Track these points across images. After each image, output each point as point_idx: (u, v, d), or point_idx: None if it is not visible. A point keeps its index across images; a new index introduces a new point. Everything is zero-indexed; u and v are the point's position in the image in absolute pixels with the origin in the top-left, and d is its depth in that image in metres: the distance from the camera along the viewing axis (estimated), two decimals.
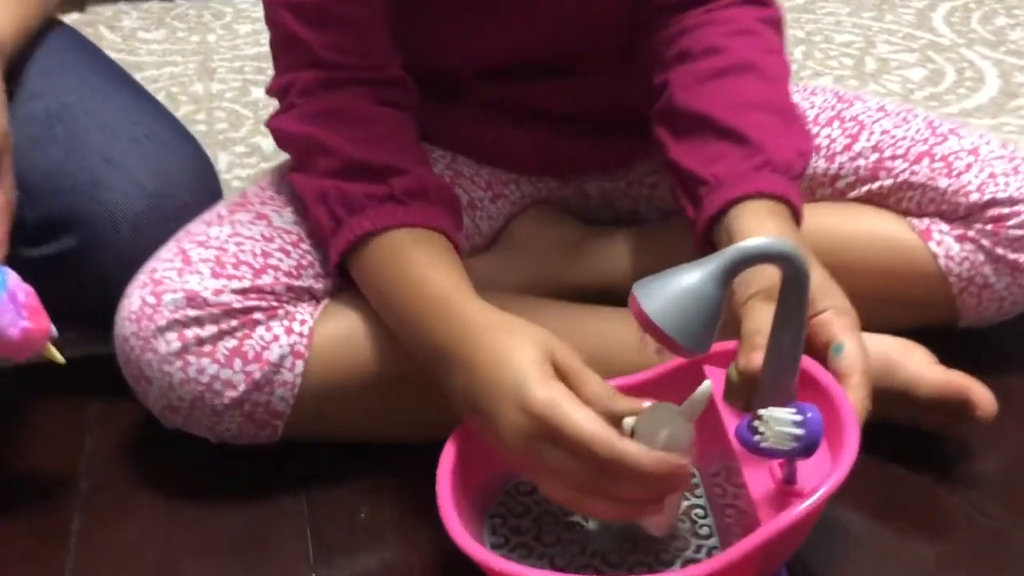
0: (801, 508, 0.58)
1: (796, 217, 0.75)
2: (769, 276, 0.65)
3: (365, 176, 0.75)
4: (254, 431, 0.77)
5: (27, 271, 0.77)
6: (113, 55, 1.52)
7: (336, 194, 0.75)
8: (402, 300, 0.72)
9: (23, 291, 0.71)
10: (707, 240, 0.76)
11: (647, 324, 0.58)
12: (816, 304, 0.67)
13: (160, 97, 1.41)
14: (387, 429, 0.80)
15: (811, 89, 0.97)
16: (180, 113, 1.39)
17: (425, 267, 0.72)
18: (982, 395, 0.77)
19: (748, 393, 0.65)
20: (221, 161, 1.28)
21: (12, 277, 0.71)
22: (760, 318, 0.66)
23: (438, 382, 0.69)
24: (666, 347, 0.59)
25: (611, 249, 0.94)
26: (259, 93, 1.46)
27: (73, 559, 0.73)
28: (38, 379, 0.87)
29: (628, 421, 0.62)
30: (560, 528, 0.70)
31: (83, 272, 0.82)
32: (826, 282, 0.69)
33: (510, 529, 0.69)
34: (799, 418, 0.58)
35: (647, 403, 0.63)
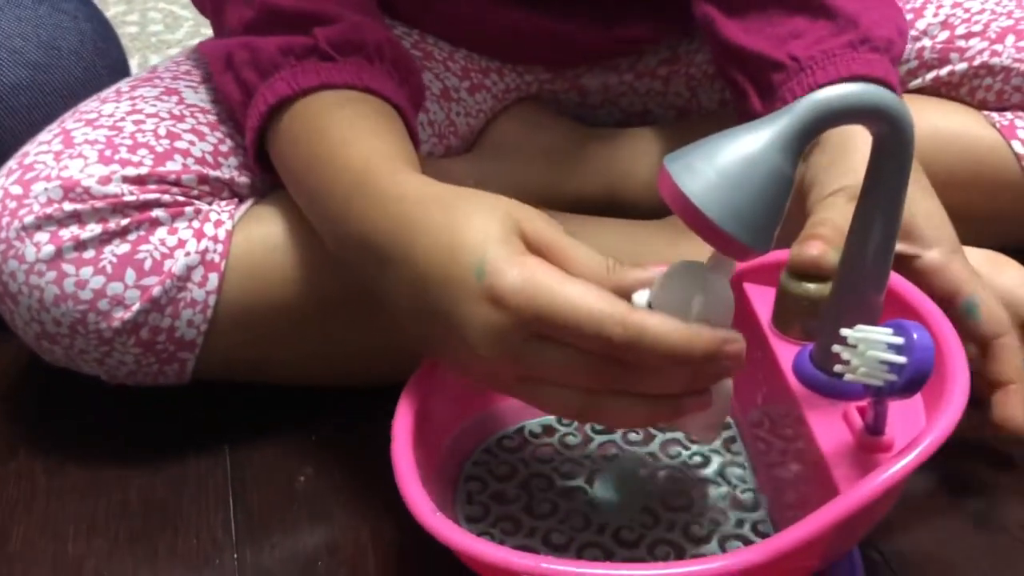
0: (903, 464, 0.41)
1: None
2: (858, 172, 0.47)
3: (282, 27, 0.57)
4: (157, 367, 0.59)
5: None
6: None
7: (245, 54, 0.57)
8: (319, 181, 0.53)
9: None
10: None
11: (687, 211, 0.41)
12: (924, 239, 0.52)
13: None
14: (330, 368, 0.63)
15: None
16: (109, 14, 1.20)
17: (348, 131, 0.54)
18: None
19: (810, 313, 0.49)
20: (152, 63, 1.10)
21: None
22: (837, 213, 0.49)
23: (376, 293, 0.50)
24: (711, 243, 0.42)
25: (615, 153, 0.77)
26: None
27: None
28: None
29: (640, 296, 0.45)
30: (557, 495, 0.53)
31: None
32: (937, 212, 0.54)
33: (491, 496, 0.53)
34: (900, 340, 0.41)
35: (657, 269, 0.45)
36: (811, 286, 0.50)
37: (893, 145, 0.42)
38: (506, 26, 0.74)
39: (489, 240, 0.44)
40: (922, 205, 0.53)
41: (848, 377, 0.43)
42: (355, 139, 0.52)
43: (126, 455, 0.62)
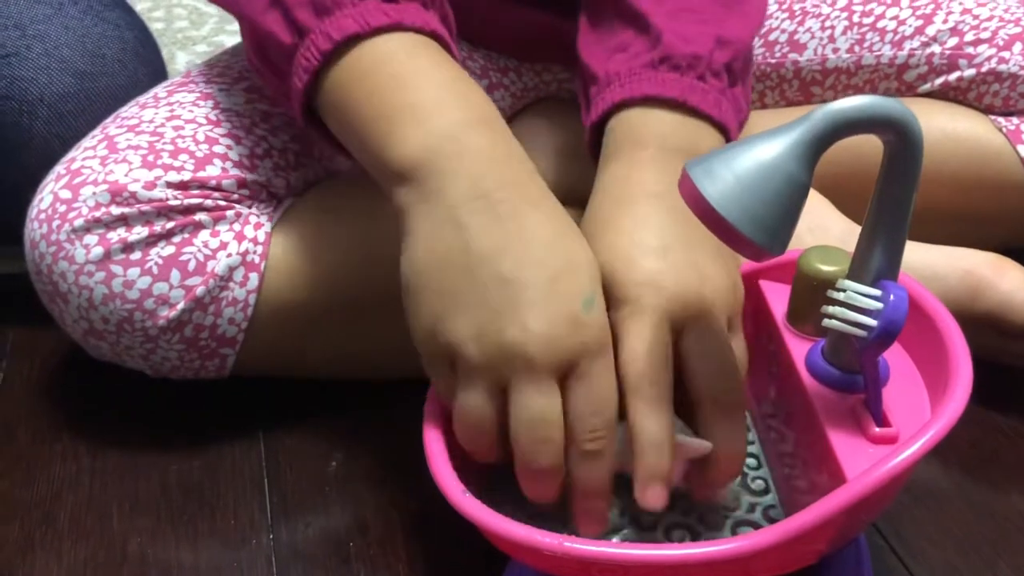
0: (908, 454, 0.44)
1: (720, 128, 0.57)
2: (637, 261, 0.50)
3: None
4: (199, 362, 0.62)
5: None
6: None
7: None
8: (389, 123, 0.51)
9: None
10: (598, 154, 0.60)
11: (707, 214, 0.43)
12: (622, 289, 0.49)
13: None
14: (362, 363, 0.66)
15: None
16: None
17: (434, 89, 0.51)
18: None
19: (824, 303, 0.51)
20: (179, 61, 1.13)
21: None
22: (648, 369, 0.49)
23: (401, 225, 0.50)
24: (730, 245, 0.44)
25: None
26: None
27: None
28: None
29: None
30: None
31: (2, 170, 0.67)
32: (650, 258, 0.50)
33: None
34: (878, 293, 0.45)
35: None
36: (826, 268, 0.53)
37: (902, 153, 0.44)
38: (521, 25, 0.76)
39: (596, 283, 0.48)
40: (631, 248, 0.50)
41: (828, 323, 0.46)
42: (443, 100, 0.51)
43: (165, 441, 0.65)
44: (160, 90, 0.67)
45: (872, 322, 0.45)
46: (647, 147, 0.55)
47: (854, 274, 0.48)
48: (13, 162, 0.68)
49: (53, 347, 0.71)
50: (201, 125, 0.63)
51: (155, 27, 1.20)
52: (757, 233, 0.43)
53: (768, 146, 0.44)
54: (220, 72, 0.68)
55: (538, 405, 0.46)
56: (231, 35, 1.20)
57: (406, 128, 0.50)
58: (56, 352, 0.71)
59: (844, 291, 0.46)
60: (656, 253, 0.50)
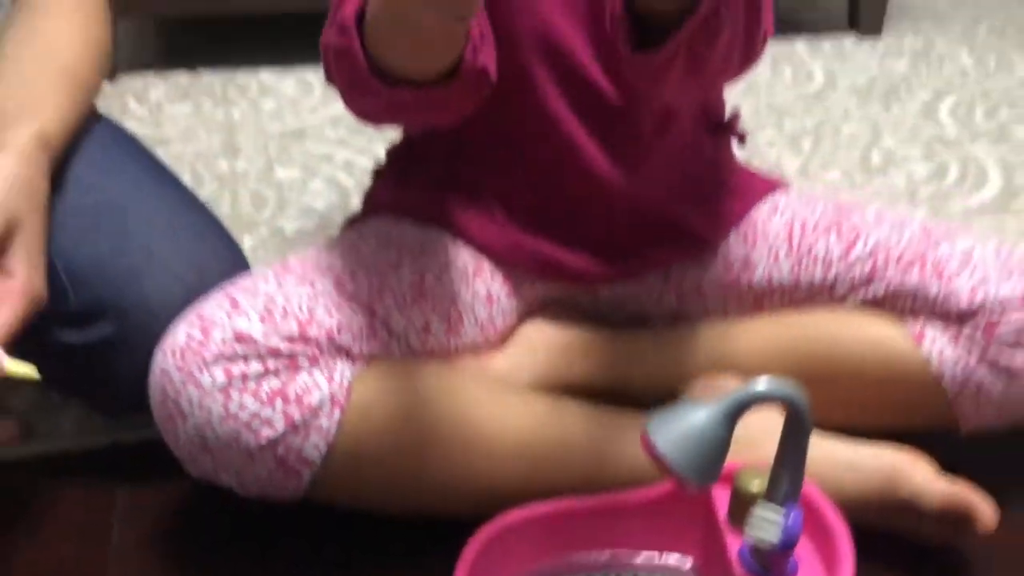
0: None
1: None
2: None
3: None
4: (282, 479, 0.80)
5: (65, 355, 0.84)
6: (139, 129, 1.59)
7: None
8: None
9: None
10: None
11: (657, 459, 0.62)
12: None
13: (185, 175, 1.48)
14: (419, 498, 0.84)
15: (812, 198, 1.01)
16: (204, 192, 1.44)
17: None
18: (984, 509, 0.81)
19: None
20: (245, 243, 1.32)
21: None
22: None
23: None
24: (674, 480, 0.62)
25: (618, 352, 0.98)
26: (283, 173, 1.50)
27: None
28: (61, 467, 0.90)
29: None
30: None
31: (118, 359, 0.86)
32: None
33: None
34: (783, 512, 0.64)
35: None
36: (754, 484, 0.71)
37: (794, 415, 0.63)
38: (532, 259, 0.96)
39: None
40: None
41: (746, 534, 0.64)
42: None
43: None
44: (269, 272, 0.85)
45: (775, 539, 0.63)
46: None
47: (769, 494, 0.66)
48: (136, 353, 0.85)
49: (160, 508, 0.87)
50: (303, 300, 0.82)
51: (223, 211, 1.40)
52: (693, 474, 0.61)
53: (703, 412, 0.62)
54: (313, 266, 0.87)
55: None
56: (287, 219, 1.40)
57: None
58: (164, 515, 0.87)
59: (759, 509, 0.65)
60: None
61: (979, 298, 0.87)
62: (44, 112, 0.86)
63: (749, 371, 0.89)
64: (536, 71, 0.89)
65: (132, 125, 1.63)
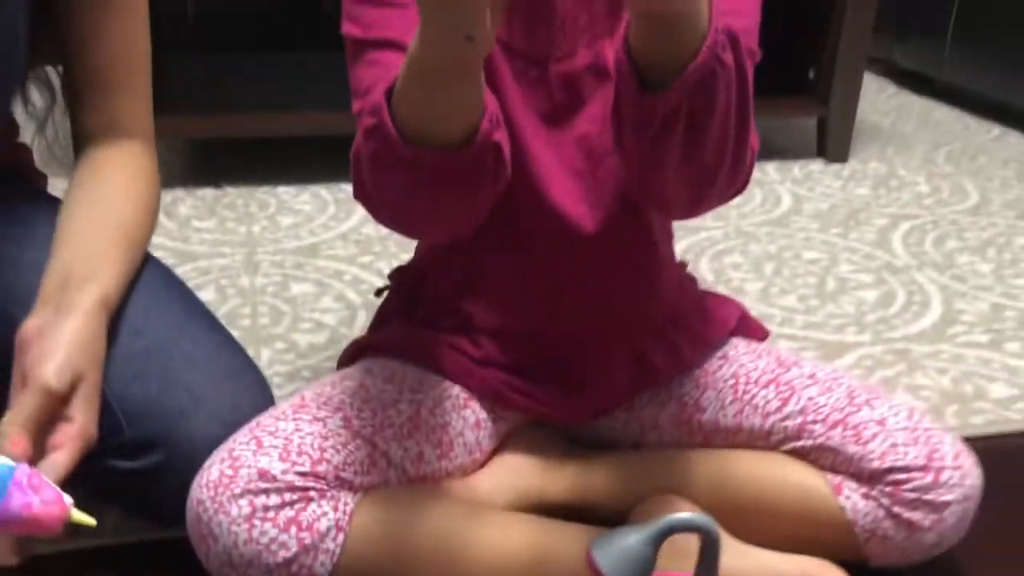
0: None
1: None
2: None
3: None
4: None
5: (119, 479, 0.99)
6: (169, 243, 1.77)
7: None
8: None
9: (25, 475, 0.85)
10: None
11: (596, 572, 0.78)
12: None
13: (211, 291, 1.65)
14: None
15: (757, 351, 1.16)
16: (228, 307, 1.61)
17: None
18: None
19: None
20: (263, 356, 1.48)
21: (19, 471, 0.85)
22: None
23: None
24: None
25: (587, 472, 1.13)
26: (298, 288, 1.68)
27: None
28: (98, 562, 1.05)
29: None
30: None
31: (166, 484, 1.02)
32: None
33: None
34: None
35: None
36: None
37: (709, 543, 0.79)
38: (516, 404, 1.12)
39: None
40: None
41: None
42: None
43: None
44: (287, 408, 1.02)
45: None
46: None
47: None
48: (181, 479, 1.00)
49: None
50: (315, 438, 0.99)
51: (243, 324, 1.57)
52: None
53: (636, 536, 0.78)
54: (325, 402, 1.03)
55: None
56: (301, 332, 1.56)
57: None
58: None
59: None
60: None
61: (887, 463, 1.02)
62: (106, 274, 1.02)
63: (690, 497, 1.06)
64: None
65: (162, 240, 1.82)
